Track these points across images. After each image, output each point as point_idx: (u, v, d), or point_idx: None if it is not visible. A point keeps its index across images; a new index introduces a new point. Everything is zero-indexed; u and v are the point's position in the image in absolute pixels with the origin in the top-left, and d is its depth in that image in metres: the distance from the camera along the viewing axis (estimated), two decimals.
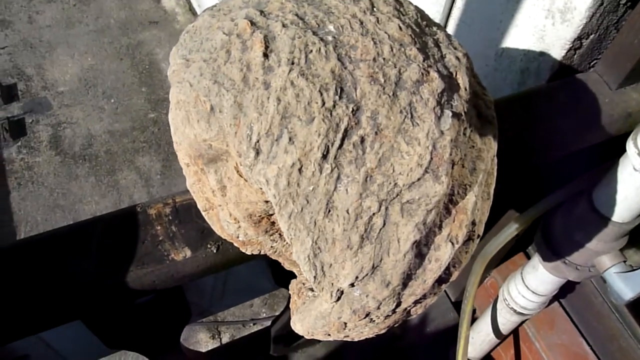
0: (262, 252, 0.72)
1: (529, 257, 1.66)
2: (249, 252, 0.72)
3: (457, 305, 1.82)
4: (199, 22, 0.62)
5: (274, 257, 0.72)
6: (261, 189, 0.54)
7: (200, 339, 3.05)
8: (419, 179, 0.51)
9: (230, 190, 0.60)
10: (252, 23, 0.55)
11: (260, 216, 0.63)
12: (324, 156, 0.49)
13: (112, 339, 0.95)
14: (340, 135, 0.50)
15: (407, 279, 0.54)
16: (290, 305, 0.70)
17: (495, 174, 0.61)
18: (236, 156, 0.53)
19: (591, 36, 0.95)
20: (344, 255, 0.51)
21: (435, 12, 1.29)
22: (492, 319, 1.56)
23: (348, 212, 0.50)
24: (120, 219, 0.75)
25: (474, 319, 1.68)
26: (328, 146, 0.50)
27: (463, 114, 0.55)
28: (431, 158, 0.51)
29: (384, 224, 0.51)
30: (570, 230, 1.12)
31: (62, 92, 3.99)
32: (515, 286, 1.38)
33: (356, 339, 0.61)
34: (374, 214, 0.50)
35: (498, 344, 1.66)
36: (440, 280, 0.59)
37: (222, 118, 0.53)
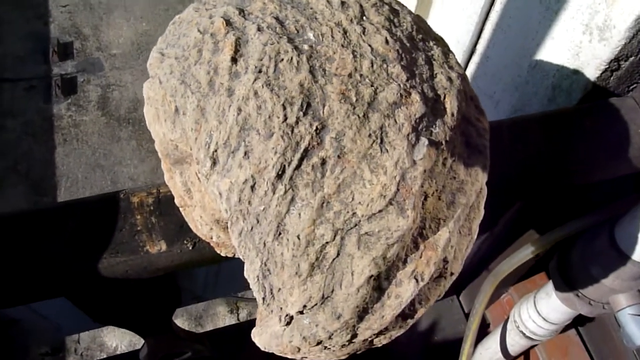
0: (236, 256, 0.70)
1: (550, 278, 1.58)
2: (223, 254, 0.70)
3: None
4: (184, 14, 0.59)
5: None
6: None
7: (219, 312, 3.09)
8: (380, 211, 0.47)
9: (195, 195, 0.58)
10: (228, 23, 0.51)
11: (227, 223, 0.60)
12: (279, 176, 0.46)
13: (98, 316, 0.95)
14: (298, 155, 0.46)
15: (362, 312, 0.51)
16: (257, 314, 0.68)
17: (481, 208, 0.56)
18: (195, 162, 0.51)
19: (631, 58, 0.86)
20: (292, 282, 0.48)
21: (472, 13, 1.21)
22: (501, 339, 1.49)
23: (299, 238, 0.47)
24: (102, 203, 0.74)
25: (486, 334, 1.62)
26: (284, 165, 0.46)
27: (444, 142, 0.50)
28: (397, 189, 0.47)
29: (338, 254, 0.47)
30: (587, 262, 1.04)
31: (115, 55, 4.07)
32: (527, 309, 1.31)
33: None
34: (327, 242, 0.47)
35: None
36: (404, 316, 0.55)
37: (185, 121, 0.50)
